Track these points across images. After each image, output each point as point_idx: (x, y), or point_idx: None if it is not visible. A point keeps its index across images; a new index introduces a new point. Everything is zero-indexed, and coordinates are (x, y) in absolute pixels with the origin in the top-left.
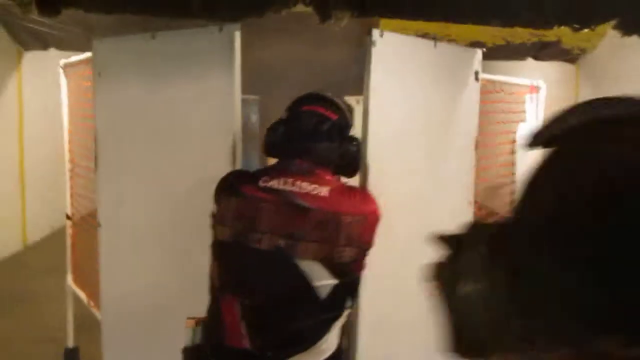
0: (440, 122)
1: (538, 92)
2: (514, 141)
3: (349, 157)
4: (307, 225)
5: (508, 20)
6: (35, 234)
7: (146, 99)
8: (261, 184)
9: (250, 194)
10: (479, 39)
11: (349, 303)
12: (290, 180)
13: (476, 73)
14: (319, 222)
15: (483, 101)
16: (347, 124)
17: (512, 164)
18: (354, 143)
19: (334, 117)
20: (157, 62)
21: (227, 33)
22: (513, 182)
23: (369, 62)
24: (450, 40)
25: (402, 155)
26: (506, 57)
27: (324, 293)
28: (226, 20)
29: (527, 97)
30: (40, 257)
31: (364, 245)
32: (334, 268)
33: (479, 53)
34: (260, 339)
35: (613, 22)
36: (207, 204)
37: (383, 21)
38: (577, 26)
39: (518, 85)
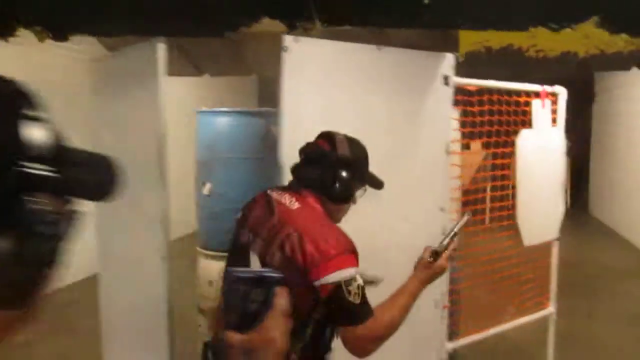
0: (391, 128)
1: (553, 98)
2: (513, 147)
3: (331, 185)
4: (266, 226)
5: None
6: None
7: None
8: (268, 192)
9: (257, 199)
10: (569, 49)
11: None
12: (283, 192)
13: (445, 77)
14: (272, 225)
15: (478, 107)
16: (339, 157)
17: (512, 169)
18: (339, 173)
19: (327, 148)
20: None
21: (152, 47)
22: (511, 187)
23: (283, 69)
24: (538, 51)
25: None
26: (609, 68)
27: None
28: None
29: (536, 103)
30: None
31: (294, 262)
32: (265, 267)
33: (448, 57)
34: (222, 322)
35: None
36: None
37: (462, 34)
38: (554, 26)
39: (523, 91)
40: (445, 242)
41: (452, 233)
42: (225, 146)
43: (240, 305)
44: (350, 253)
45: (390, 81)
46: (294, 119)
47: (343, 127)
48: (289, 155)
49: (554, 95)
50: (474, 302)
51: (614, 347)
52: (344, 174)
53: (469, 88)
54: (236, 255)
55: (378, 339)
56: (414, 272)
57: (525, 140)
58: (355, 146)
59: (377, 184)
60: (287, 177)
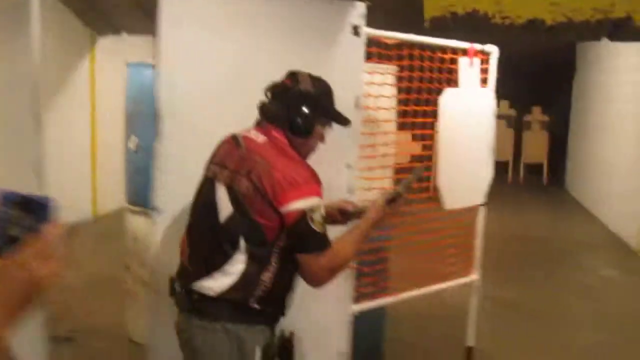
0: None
1: (484, 56)
2: (435, 106)
3: (293, 119)
4: (233, 157)
5: None
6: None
7: None
8: (236, 132)
9: (226, 138)
10: (536, 16)
11: (244, 246)
12: (250, 129)
13: (355, 28)
14: (238, 157)
15: (397, 62)
16: (301, 91)
17: (433, 127)
18: (299, 106)
19: (290, 84)
20: None
21: None
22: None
23: (159, 23)
24: (504, 18)
25: (221, 118)
26: (579, 38)
27: (222, 217)
28: None
29: (463, 61)
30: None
31: (262, 188)
32: (231, 194)
33: (358, 6)
34: (187, 252)
35: None
36: None
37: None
38: None
39: (449, 48)
40: (400, 190)
41: (405, 185)
42: (151, 99)
43: (2, 227)
44: (315, 183)
45: (288, 33)
46: (171, 73)
47: (230, 81)
48: (169, 108)
49: (484, 54)
50: (403, 267)
51: (557, 316)
52: (304, 107)
53: (387, 41)
54: (201, 190)
55: (334, 270)
56: (368, 213)
57: (449, 99)
58: (318, 82)
59: (342, 121)
60: (167, 129)
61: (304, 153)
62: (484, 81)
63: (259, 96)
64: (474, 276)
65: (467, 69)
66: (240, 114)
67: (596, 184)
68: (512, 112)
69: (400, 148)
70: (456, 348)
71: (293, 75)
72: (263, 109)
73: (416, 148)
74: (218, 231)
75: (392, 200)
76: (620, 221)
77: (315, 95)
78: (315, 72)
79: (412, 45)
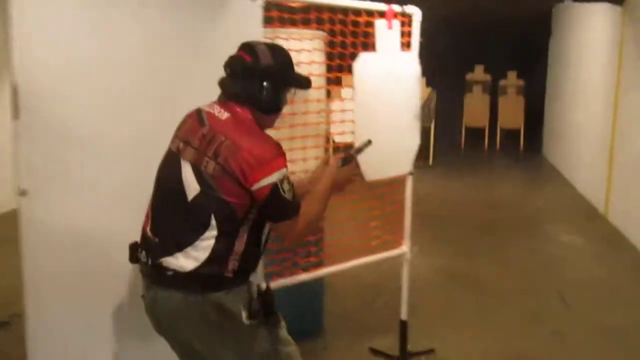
0: (178, 54)
1: (404, 19)
2: (350, 72)
3: (258, 97)
4: (197, 135)
5: None
6: None
7: None
8: (201, 106)
9: (191, 113)
10: None
11: (215, 223)
12: (213, 104)
13: None
14: (202, 134)
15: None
16: (263, 68)
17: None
18: (264, 84)
19: (248, 59)
20: None
21: None
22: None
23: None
24: None
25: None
26: None
27: (190, 195)
28: None
29: (380, 24)
30: None
31: (231, 171)
32: (198, 174)
33: None
34: (153, 223)
35: None
36: None
37: None
38: None
39: (364, 10)
40: (352, 152)
41: (358, 149)
42: None
43: None
44: (281, 156)
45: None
46: (28, 45)
47: (102, 55)
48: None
49: (405, 16)
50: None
51: (508, 286)
52: (269, 84)
53: (291, 4)
54: (167, 163)
55: (309, 225)
56: (325, 175)
57: (364, 65)
58: (278, 53)
59: (303, 84)
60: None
61: (268, 126)
62: (408, 45)
63: (137, 69)
64: (404, 248)
65: (385, 32)
66: (114, 89)
67: (570, 149)
68: (487, 78)
69: None
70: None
71: (250, 50)
72: (224, 86)
73: None
74: (187, 209)
75: (345, 160)
76: (589, 187)
77: (279, 69)
78: (206, 43)
79: (319, 8)
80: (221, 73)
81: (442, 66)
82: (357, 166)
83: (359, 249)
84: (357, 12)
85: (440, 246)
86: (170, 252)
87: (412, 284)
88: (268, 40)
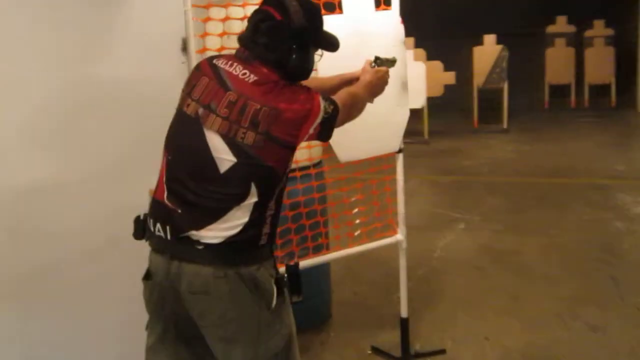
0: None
1: None
2: None
3: (287, 61)
4: (221, 100)
5: None
6: None
7: None
8: (214, 61)
9: (202, 67)
10: None
11: (255, 190)
12: (232, 62)
13: None
14: (230, 102)
15: None
16: (294, 27)
17: None
18: (294, 48)
19: (278, 17)
20: None
21: None
22: None
23: None
24: None
25: None
26: None
27: (223, 167)
28: None
29: None
30: None
31: (275, 137)
32: (233, 146)
33: None
34: (172, 193)
35: None
36: None
37: None
38: None
39: None
40: (382, 57)
41: (387, 58)
42: None
43: None
44: (312, 92)
45: None
46: None
47: None
48: None
49: None
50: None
51: (552, 268)
52: (300, 48)
53: None
54: (184, 128)
55: (348, 108)
56: (362, 76)
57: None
58: (311, 11)
59: (334, 45)
60: None
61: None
62: (386, 3)
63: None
64: (398, 236)
65: None
66: None
67: None
68: (571, 29)
69: (431, 79)
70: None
71: (280, 5)
72: (249, 43)
73: (450, 78)
74: (220, 179)
75: (378, 59)
76: None
77: (312, 30)
78: (116, 16)
79: None
80: (122, 76)
81: (516, 20)
82: (387, 71)
83: (352, 238)
84: None
85: (489, 220)
86: (202, 224)
87: (445, 265)
88: None
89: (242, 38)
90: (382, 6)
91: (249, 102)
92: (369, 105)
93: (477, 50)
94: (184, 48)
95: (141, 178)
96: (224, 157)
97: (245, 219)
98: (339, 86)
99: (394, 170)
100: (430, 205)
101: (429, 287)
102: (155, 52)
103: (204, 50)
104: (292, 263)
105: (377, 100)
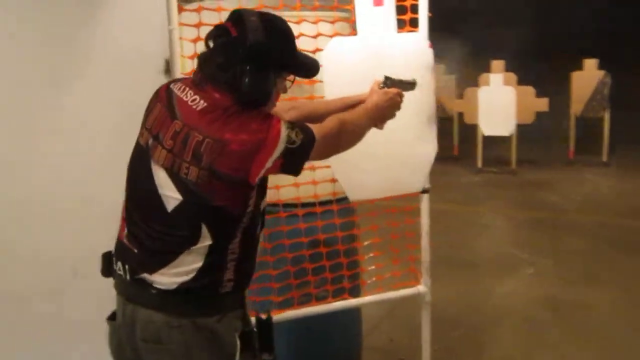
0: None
1: None
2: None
3: (243, 83)
4: (167, 130)
5: None
6: None
7: None
8: (171, 85)
9: (159, 93)
10: None
11: (207, 232)
12: (185, 87)
13: None
14: (175, 132)
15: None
16: (250, 46)
17: None
18: (247, 68)
19: (234, 33)
20: None
21: None
22: None
23: None
24: None
25: None
26: None
27: (170, 206)
28: None
29: None
30: None
31: (220, 173)
32: (178, 182)
33: None
34: (130, 232)
35: None
36: None
37: None
38: None
39: None
40: (394, 78)
41: (401, 80)
42: None
43: None
44: (270, 119)
45: None
46: None
47: None
48: None
49: None
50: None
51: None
52: (254, 68)
53: None
54: (136, 158)
55: (334, 138)
56: (368, 99)
57: (336, 53)
58: (273, 27)
59: (308, 70)
60: None
61: None
62: (413, 24)
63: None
64: (421, 287)
65: (369, 9)
66: None
67: None
68: None
69: (522, 105)
70: None
71: (238, 21)
72: (202, 63)
73: (542, 104)
74: (168, 219)
75: (388, 79)
76: None
77: (270, 50)
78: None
79: None
80: (103, 82)
81: (621, 42)
82: (400, 93)
83: (365, 285)
84: None
85: (562, 267)
86: (153, 268)
87: (499, 314)
88: (267, 11)
89: (199, 57)
90: (408, 27)
91: (192, 133)
92: (385, 138)
93: (575, 76)
94: (167, 70)
95: (110, 208)
96: (169, 194)
97: (199, 264)
98: (339, 109)
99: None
100: (499, 243)
101: (474, 339)
102: (131, 74)
103: (192, 72)
104: (264, 316)
105: (397, 132)
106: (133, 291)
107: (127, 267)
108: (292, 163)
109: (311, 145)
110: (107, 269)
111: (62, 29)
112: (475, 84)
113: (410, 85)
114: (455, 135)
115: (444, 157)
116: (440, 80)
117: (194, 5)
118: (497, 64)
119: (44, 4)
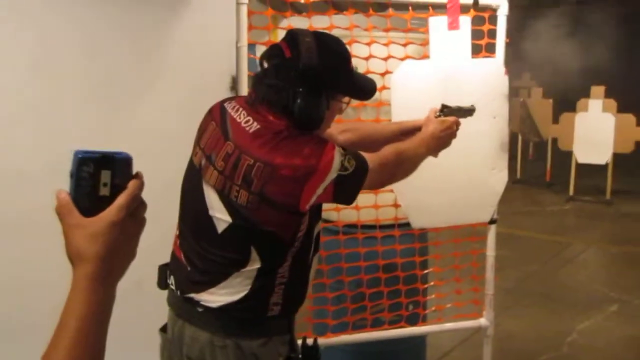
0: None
1: (480, 13)
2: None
3: (295, 106)
4: (220, 151)
5: None
6: None
7: None
8: (225, 104)
9: (213, 111)
10: None
11: (257, 255)
12: (238, 107)
13: None
14: (226, 154)
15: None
16: (303, 68)
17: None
18: (300, 90)
19: (288, 54)
20: None
21: None
22: None
23: None
24: None
25: None
26: None
27: (220, 227)
28: None
29: (435, 22)
30: None
31: (270, 199)
32: (228, 204)
33: None
34: (183, 248)
35: None
36: None
37: None
38: None
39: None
40: (452, 106)
41: (459, 107)
42: None
43: (90, 187)
44: (324, 144)
45: None
46: None
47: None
48: None
49: (479, 9)
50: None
51: None
52: (307, 91)
53: None
54: (189, 176)
55: (389, 167)
56: (424, 128)
57: (406, 76)
58: (328, 49)
59: (363, 91)
60: None
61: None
62: (488, 50)
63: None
64: (482, 321)
65: (444, 33)
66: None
67: None
68: None
69: (621, 133)
70: None
71: (293, 40)
72: (257, 84)
73: None
74: (218, 240)
75: (445, 107)
76: None
77: (324, 72)
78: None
79: (342, 3)
80: (173, 90)
81: None
82: (457, 122)
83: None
84: (400, 6)
85: None
86: (202, 288)
87: (576, 353)
88: (323, 31)
89: (253, 78)
90: (484, 53)
91: (243, 156)
92: (453, 166)
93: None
94: (233, 87)
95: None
96: (219, 216)
97: (247, 286)
98: (394, 134)
99: (484, 244)
100: (584, 278)
101: None
102: (198, 89)
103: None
104: (309, 340)
105: (466, 160)
106: (182, 307)
107: (178, 282)
108: (344, 191)
109: (364, 173)
110: (163, 282)
111: (139, 40)
112: (573, 109)
113: (468, 112)
114: (548, 161)
115: (535, 182)
116: (537, 104)
117: (264, 23)
118: (597, 90)
119: (125, 18)
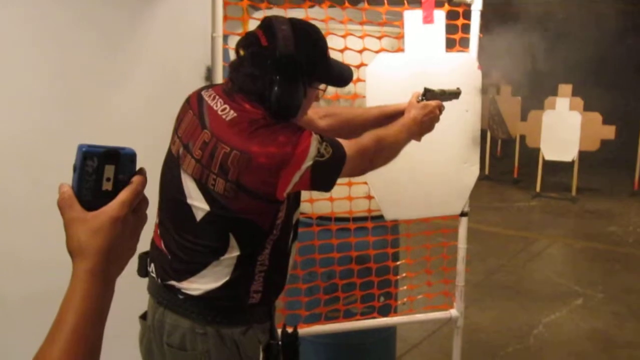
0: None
1: (453, 7)
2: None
3: (272, 94)
4: (196, 140)
5: None
6: None
7: None
8: (203, 92)
9: (190, 100)
10: None
11: (236, 243)
12: (215, 95)
13: None
14: (203, 142)
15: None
16: (280, 56)
17: None
18: (276, 78)
19: (264, 43)
20: None
21: None
22: None
23: None
24: None
25: None
26: None
27: (198, 216)
28: None
29: (410, 15)
30: None
31: (246, 187)
32: (206, 193)
33: None
34: (163, 237)
35: None
36: None
37: None
38: None
39: None
40: (435, 90)
41: (443, 90)
42: None
43: (94, 182)
44: (300, 131)
45: None
46: None
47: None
48: None
49: (454, 4)
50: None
51: None
52: (284, 80)
53: None
54: (167, 166)
55: (369, 154)
56: (406, 113)
57: (381, 68)
58: (305, 37)
59: (340, 79)
60: None
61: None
62: (463, 45)
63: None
64: (453, 312)
65: (419, 27)
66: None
67: None
68: None
69: (587, 131)
70: None
71: (269, 28)
72: (233, 72)
73: (609, 132)
74: (197, 229)
75: (428, 91)
76: None
77: (301, 61)
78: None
79: None
80: (147, 85)
81: None
82: (440, 106)
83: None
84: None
85: (614, 301)
86: (182, 276)
87: (541, 345)
88: (299, 18)
89: (229, 65)
90: (457, 47)
91: (219, 144)
92: (425, 159)
93: None
94: (208, 77)
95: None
96: (197, 204)
97: (227, 275)
98: (376, 119)
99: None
100: (550, 272)
101: None
102: (173, 78)
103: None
104: (290, 329)
105: (439, 154)
106: (163, 294)
107: (159, 270)
108: (321, 178)
109: (341, 160)
110: (143, 269)
111: (112, 31)
112: (541, 106)
113: (454, 95)
114: (516, 158)
115: (502, 179)
116: (507, 102)
117: (239, 14)
118: (565, 88)
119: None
